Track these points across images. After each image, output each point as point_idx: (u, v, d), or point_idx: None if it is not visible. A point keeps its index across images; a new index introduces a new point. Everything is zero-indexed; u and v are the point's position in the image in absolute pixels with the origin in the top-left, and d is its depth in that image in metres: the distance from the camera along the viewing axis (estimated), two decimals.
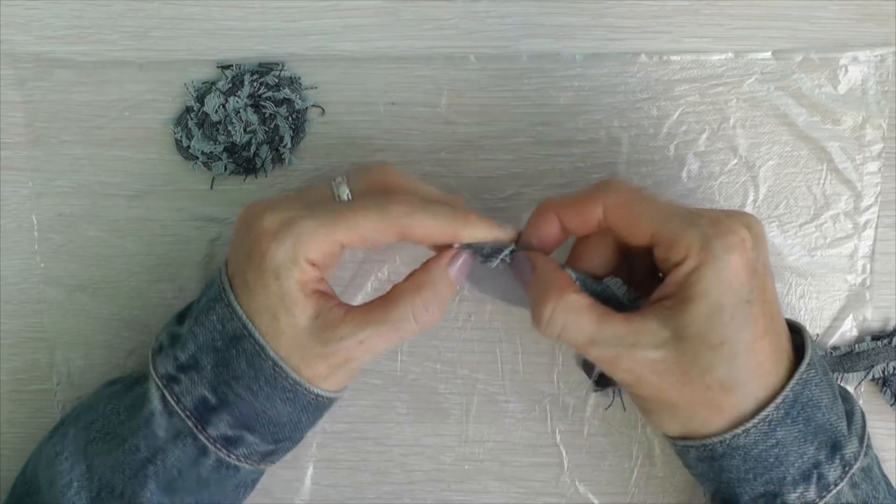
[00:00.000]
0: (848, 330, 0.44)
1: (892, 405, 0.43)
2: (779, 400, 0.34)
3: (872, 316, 0.44)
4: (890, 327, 0.44)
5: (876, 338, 0.43)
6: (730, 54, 0.43)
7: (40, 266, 0.45)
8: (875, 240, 0.43)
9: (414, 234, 0.36)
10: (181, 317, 0.39)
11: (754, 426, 0.34)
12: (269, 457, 0.38)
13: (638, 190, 0.36)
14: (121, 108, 0.44)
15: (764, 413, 0.34)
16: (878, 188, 0.43)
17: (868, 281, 0.44)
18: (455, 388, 0.45)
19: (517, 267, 0.37)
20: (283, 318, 0.35)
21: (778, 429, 0.34)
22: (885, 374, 0.43)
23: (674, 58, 0.43)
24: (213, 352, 0.36)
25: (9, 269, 0.46)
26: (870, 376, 0.43)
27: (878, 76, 0.43)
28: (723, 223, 0.33)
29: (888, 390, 0.43)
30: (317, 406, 0.37)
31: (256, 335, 0.35)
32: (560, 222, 0.37)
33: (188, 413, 0.36)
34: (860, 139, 0.43)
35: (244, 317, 0.35)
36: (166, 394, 0.36)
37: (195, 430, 0.36)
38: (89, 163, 0.45)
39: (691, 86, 0.43)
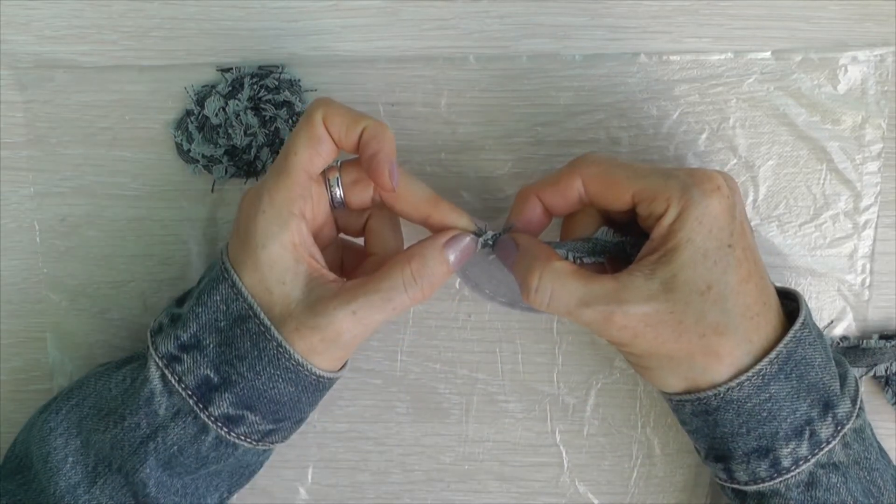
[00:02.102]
0: (848, 329, 0.44)
1: (893, 404, 0.43)
2: (772, 355, 0.34)
3: (872, 316, 0.44)
4: (891, 326, 0.44)
5: (884, 337, 0.43)
6: (729, 54, 0.43)
7: (40, 266, 0.45)
8: (875, 240, 0.43)
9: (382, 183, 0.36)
10: (180, 301, 0.39)
11: (748, 379, 0.34)
12: (268, 436, 0.38)
13: (613, 157, 0.37)
14: (121, 110, 0.44)
15: (758, 367, 0.34)
16: (878, 188, 0.43)
17: (868, 281, 0.44)
18: (455, 388, 0.45)
19: (502, 249, 0.38)
20: (276, 289, 0.36)
21: (771, 383, 0.35)
22: (888, 373, 0.43)
23: (674, 58, 0.43)
24: (216, 331, 0.36)
25: (9, 269, 0.46)
26: (871, 373, 0.43)
27: (878, 76, 0.43)
28: (698, 172, 0.35)
29: (890, 390, 0.43)
30: (317, 386, 0.37)
31: (262, 316, 0.35)
32: (542, 205, 0.38)
33: (190, 392, 0.36)
34: (860, 139, 0.43)
35: (250, 297, 0.36)
36: (167, 373, 0.36)
37: (196, 408, 0.36)
38: (90, 163, 0.45)
39: (691, 86, 0.43)
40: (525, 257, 0.36)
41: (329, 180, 0.38)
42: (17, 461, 0.40)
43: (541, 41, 0.43)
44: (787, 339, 0.35)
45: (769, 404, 0.35)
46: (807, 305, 0.37)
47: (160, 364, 0.37)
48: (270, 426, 0.38)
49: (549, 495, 0.45)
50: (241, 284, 0.36)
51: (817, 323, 0.44)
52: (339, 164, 0.39)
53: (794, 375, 0.35)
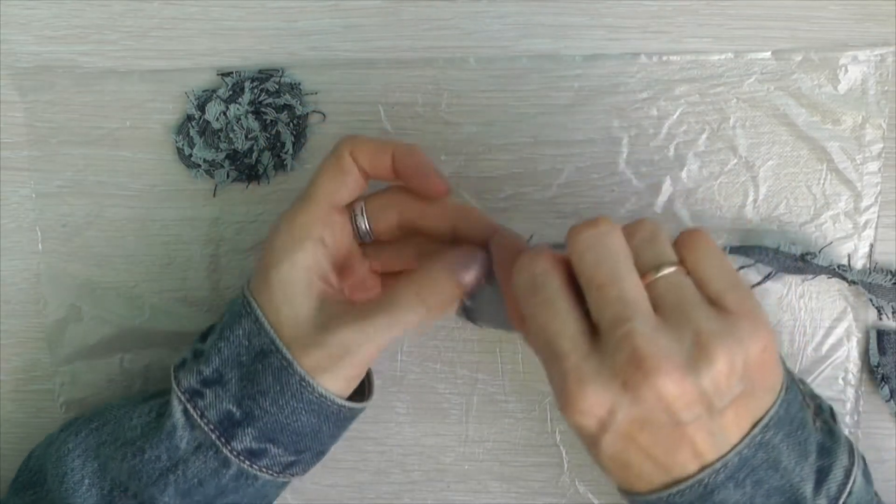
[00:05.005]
0: (848, 330, 0.44)
1: (887, 401, 0.43)
2: (717, 465, 0.30)
3: (872, 315, 0.44)
4: (891, 326, 0.44)
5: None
6: (730, 54, 0.43)
7: (40, 266, 0.45)
8: (875, 240, 0.43)
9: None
10: (204, 336, 0.39)
11: (688, 487, 0.31)
12: (289, 468, 0.38)
13: (540, 280, 0.32)
14: (122, 111, 0.44)
15: (699, 476, 0.31)
16: (878, 188, 0.43)
17: None
18: (455, 388, 0.45)
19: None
20: (284, 308, 0.36)
21: (716, 492, 0.31)
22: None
23: (674, 58, 0.43)
24: (238, 366, 0.36)
25: (9, 269, 0.46)
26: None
27: (878, 76, 0.43)
28: (567, 387, 0.30)
29: (886, 386, 0.43)
30: (338, 416, 0.37)
31: (284, 351, 0.35)
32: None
33: (212, 427, 0.36)
34: (860, 139, 0.43)
35: (272, 332, 0.35)
36: (189, 407, 0.36)
37: (219, 443, 0.36)
38: (90, 164, 0.45)
39: (691, 86, 0.43)
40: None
41: (353, 211, 0.38)
42: (30, 475, 0.40)
43: (541, 41, 0.43)
44: (740, 446, 0.31)
45: None
46: (787, 395, 0.33)
47: (182, 398, 0.37)
48: (292, 458, 0.38)
49: (549, 495, 0.45)
50: (263, 319, 0.36)
51: (818, 324, 0.43)
52: (363, 206, 0.39)
53: (748, 482, 0.31)
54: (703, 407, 0.30)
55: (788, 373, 0.34)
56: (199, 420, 0.36)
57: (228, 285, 0.45)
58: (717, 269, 0.32)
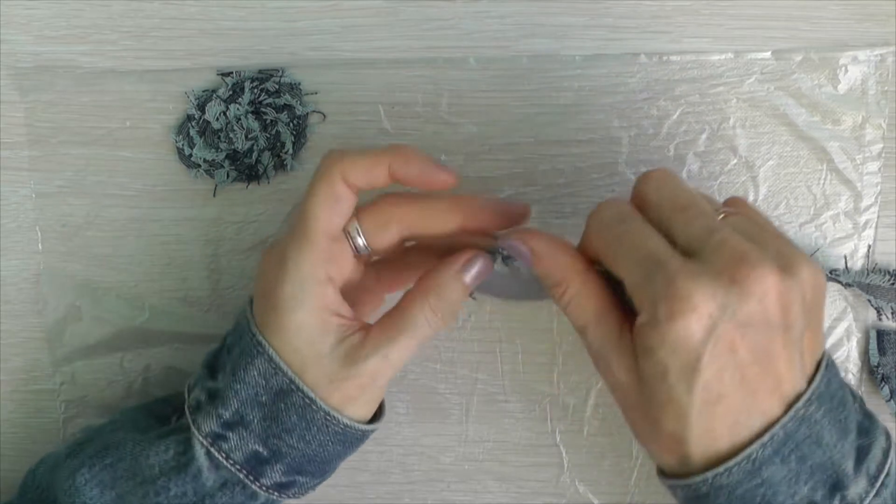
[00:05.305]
0: (848, 330, 0.44)
1: (887, 401, 0.43)
2: (765, 438, 0.31)
3: (872, 315, 0.44)
4: (891, 326, 0.44)
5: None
6: (730, 54, 0.43)
7: (40, 266, 0.45)
8: (875, 240, 0.43)
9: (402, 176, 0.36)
10: (212, 368, 0.38)
11: (737, 465, 0.31)
12: (313, 488, 0.39)
13: (628, 213, 0.34)
14: (121, 111, 0.44)
15: (747, 451, 0.31)
16: (878, 188, 0.43)
17: None
18: (455, 388, 0.45)
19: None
20: (305, 350, 0.35)
21: (763, 468, 0.31)
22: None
23: (674, 58, 0.43)
24: (258, 406, 0.36)
25: (9, 269, 0.46)
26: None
27: (878, 76, 0.43)
28: (675, 286, 0.30)
29: (886, 386, 0.43)
30: (361, 438, 0.38)
31: (305, 389, 0.35)
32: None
33: (239, 467, 0.36)
34: (860, 139, 0.43)
35: (290, 371, 0.35)
36: (213, 451, 0.36)
37: (247, 481, 0.36)
38: (90, 164, 0.45)
39: (691, 86, 0.43)
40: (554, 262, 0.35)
41: (349, 231, 0.37)
42: (38, 492, 0.39)
43: (541, 41, 0.43)
44: (784, 420, 0.31)
45: (762, 489, 0.31)
46: (825, 373, 0.33)
47: (204, 443, 0.36)
48: (318, 481, 0.39)
49: (549, 495, 0.45)
50: (278, 359, 0.35)
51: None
52: (354, 211, 0.37)
53: (793, 458, 0.31)
54: (799, 311, 0.31)
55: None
56: (224, 462, 0.36)
57: (228, 285, 0.45)
58: (768, 221, 0.35)
